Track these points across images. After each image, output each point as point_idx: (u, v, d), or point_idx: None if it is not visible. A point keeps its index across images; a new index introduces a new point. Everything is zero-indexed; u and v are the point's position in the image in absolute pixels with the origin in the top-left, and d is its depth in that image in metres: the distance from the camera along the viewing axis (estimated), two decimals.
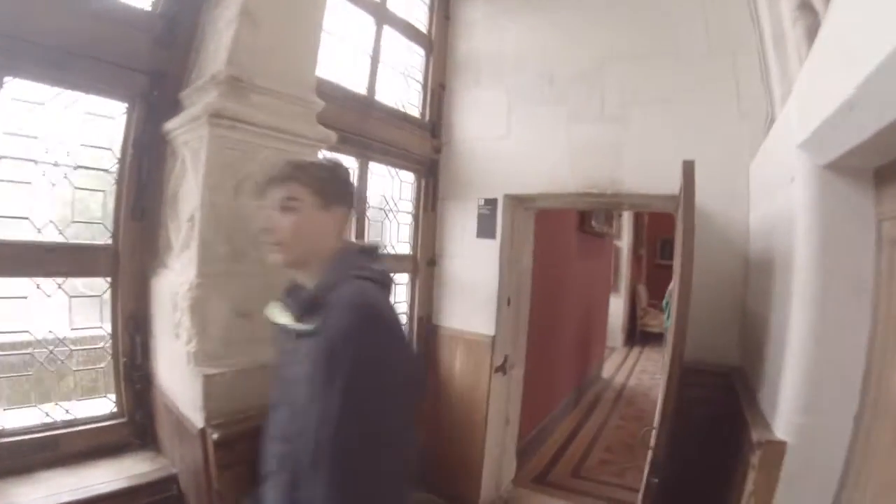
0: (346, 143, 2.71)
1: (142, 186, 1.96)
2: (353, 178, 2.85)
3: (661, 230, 10.23)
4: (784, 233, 1.54)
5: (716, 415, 2.08)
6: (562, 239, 4.85)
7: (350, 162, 2.82)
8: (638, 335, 9.64)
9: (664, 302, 7.25)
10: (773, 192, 1.79)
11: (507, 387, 3.35)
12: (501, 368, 3.22)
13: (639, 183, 2.69)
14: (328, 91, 2.56)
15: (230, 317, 1.79)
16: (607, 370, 7.45)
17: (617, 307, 8.81)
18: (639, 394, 6.55)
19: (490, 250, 3.17)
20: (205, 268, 1.75)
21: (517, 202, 3.22)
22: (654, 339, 9.27)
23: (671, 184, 2.41)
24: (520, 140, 3.07)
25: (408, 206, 3.32)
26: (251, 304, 1.77)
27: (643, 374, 7.63)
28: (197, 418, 1.68)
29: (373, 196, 2.99)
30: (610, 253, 7.67)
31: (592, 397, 6.18)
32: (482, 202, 3.17)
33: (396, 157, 3.07)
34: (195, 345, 1.72)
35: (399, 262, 3.24)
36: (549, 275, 4.27)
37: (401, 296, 3.31)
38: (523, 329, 3.49)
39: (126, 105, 1.90)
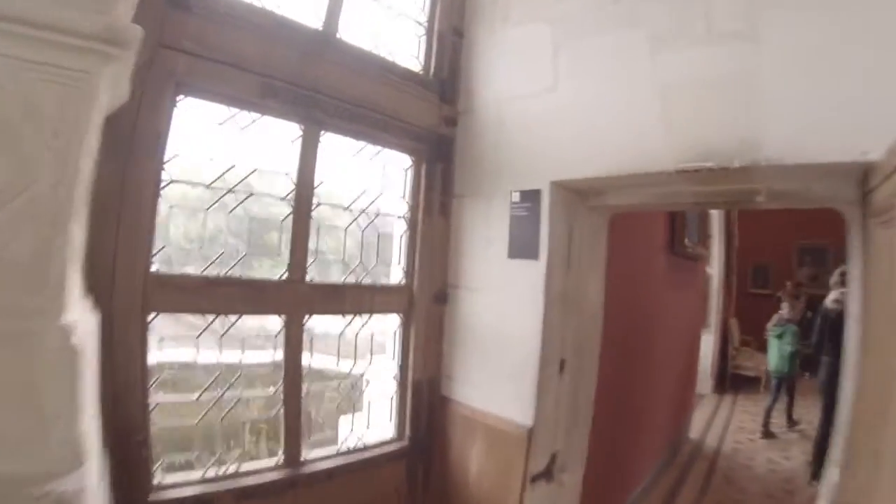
0: (276, 96, 1.62)
1: None
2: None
3: (755, 254, 9.15)
4: None
5: None
6: (647, 264, 3.44)
7: (288, 128, 1.70)
8: (729, 379, 7.88)
9: (771, 332, 5.58)
10: None
11: (555, 501, 2.03)
12: (545, 475, 1.93)
13: (794, 143, 1.37)
14: (242, 13, 1.61)
15: None
16: (695, 426, 5.92)
17: (706, 346, 7.28)
18: (738, 465, 5.04)
19: (529, 279, 1.91)
20: None
21: (575, 196, 1.96)
22: (747, 384, 7.73)
23: (865, 142, 1.26)
24: (574, 92, 1.83)
25: (400, 206, 2.13)
26: None
27: (740, 432, 6.06)
28: None
29: (330, 187, 1.81)
30: (702, 281, 6.11)
31: (677, 470, 4.67)
32: (517, 197, 1.94)
33: (376, 126, 1.92)
34: None
35: (384, 296, 2.06)
36: (627, 319, 2.90)
37: (387, 348, 2.11)
38: (586, 409, 2.15)
39: None
